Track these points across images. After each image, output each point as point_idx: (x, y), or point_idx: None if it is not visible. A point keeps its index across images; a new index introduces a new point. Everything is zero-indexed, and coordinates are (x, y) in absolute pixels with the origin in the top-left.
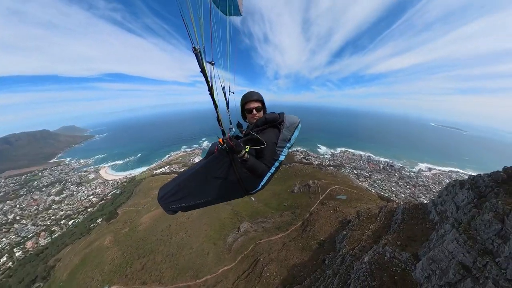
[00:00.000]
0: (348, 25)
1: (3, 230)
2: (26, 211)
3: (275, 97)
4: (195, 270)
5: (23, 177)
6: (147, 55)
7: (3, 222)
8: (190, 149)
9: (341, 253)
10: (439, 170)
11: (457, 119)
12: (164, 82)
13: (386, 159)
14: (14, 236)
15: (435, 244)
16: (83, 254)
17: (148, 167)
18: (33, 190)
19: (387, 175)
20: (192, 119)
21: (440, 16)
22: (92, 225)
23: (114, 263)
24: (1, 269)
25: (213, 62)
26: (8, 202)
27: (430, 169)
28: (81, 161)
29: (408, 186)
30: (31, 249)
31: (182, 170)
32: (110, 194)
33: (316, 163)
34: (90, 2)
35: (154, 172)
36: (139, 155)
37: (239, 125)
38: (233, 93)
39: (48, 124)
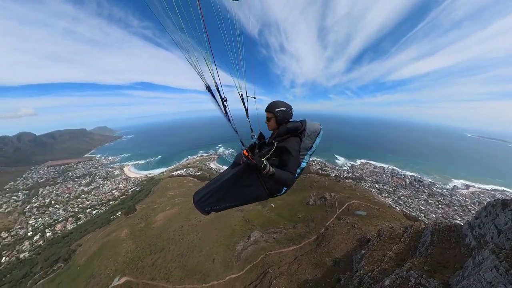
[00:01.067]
0: (367, 30)
1: (40, 211)
2: (60, 197)
3: (291, 106)
4: (202, 273)
5: (62, 167)
6: (172, 66)
7: (42, 204)
8: (206, 154)
9: (358, 274)
10: (479, 188)
11: (497, 128)
12: (185, 91)
13: (413, 173)
14: (48, 218)
15: (470, 272)
16: (101, 243)
17: (166, 168)
18: (68, 179)
19: (414, 191)
20: (209, 125)
21: (470, 13)
22: (112, 217)
23: (128, 256)
24: (34, 246)
25: (225, 99)
26: (47, 187)
27: (467, 187)
28: (109, 158)
29: (440, 206)
30: (59, 231)
31: (198, 173)
32: (130, 190)
33: (334, 174)
34: (126, 22)
35: (172, 173)
36: (159, 156)
37: (260, 136)
38: (255, 98)
39: (86, 124)
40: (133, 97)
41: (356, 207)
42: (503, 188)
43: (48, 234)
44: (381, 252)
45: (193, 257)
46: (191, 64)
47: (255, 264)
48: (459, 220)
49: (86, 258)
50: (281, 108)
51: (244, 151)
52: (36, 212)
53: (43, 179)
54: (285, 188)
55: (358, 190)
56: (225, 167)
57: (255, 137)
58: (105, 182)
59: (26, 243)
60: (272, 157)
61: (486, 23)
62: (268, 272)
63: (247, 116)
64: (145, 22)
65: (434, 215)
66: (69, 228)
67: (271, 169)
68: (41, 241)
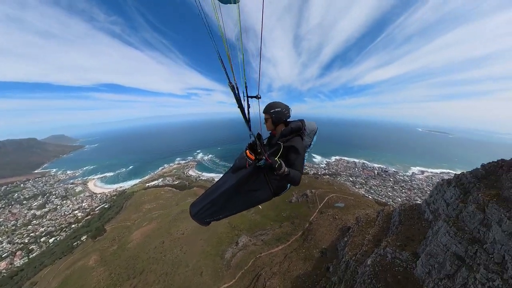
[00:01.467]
0: (336, 40)
1: None
2: (3, 227)
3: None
4: None
5: (3, 188)
6: (144, 67)
7: None
8: (184, 161)
9: (344, 260)
10: (431, 172)
11: (442, 123)
12: (159, 94)
13: (380, 165)
14: None
15: (431, 240)
16: (63, 276)
17: (140, 180)
18: (12, 203)
19: (382, 181)
20: (186, 130)
21: (418, 29)
22: (76, 243)
23: (100, 286)
24: None
25: (259, 96)
26: None
27: (422, 172)
28: (68, 172)
29: (403, 190)
30: (4, 270)
31: (176, 182)
32: (97, 208)
33: (312, 172)
34: (91, 15)
35: (147, 185)
36: (131, 167)
37: (259, 137)
38: (259, 97)
39: (36, 133)
40: (98, 100)
41: (335, 200)
42: (448, 170)
43: None
44: (360, 237)
45: (179, 273)
46: (220, 60)
47: (247, 270)
48: (419, 200)
49: None
50: (276, 109)
51: (249, 153)
52: None
53: None
54: (288, 185)
55: (335, 185)
56: (206, 174)
57: (252, 137)
58: (64, 201)
59: None
60: (279, 157)
61: (431, 38)
62: (260, 275)
63: (248, 118)
64: (113, 16)
65: (399, 199)
66: (18, 265)
67: (286, 168)
68: None
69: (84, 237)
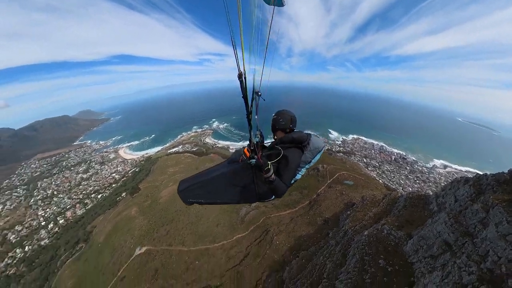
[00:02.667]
0: None
1: (46, 202)
2: (61, 187)
3: (287, 76)
4: (212, 236)
5: (53, 158)
6: (151, 32)
7: (45, 196)
8: (200, 130)
9: (344, 228)
10: (455, 169)
11: (491, 116)
12: (171, 62)
13: (399, 151)
14: (55, 207)
15: (427, 227)
16: (114, 222)
17: (162, 147)
18: (63, 169)
19: (397, 167)
20: (201, 99)
21: None
22: (118, 198)
23: (142, 229)
24: (51, 233)
25: (259, 93)
26: (45, 180)
27: (445, 167)
28: (101, 142)
29: (417, 181)
30: (71, 218)
31: (195, 149)
32: (130, 171)
33: (326, 148)
34: None
35: (168, 151)
36: (153, 135)
37: (261, 137)
38: (264, 100)
39: (66, 110)
40: (112, 73)
41: (345, 177)
42: (475, 170)
43: (61, 221)
44: (363, 213)
45: (202, 224)
46: (234, 48)
47: (258, 225)
48: (431, 192)
49: (104, 236)
50: (274, 116)
51: (246, 149)
52: (42, 204)
53: (38, 173)
54: (273, 196)
55: (347, 163)
56: (221, 142)
57: (259, 136)
58: (103, 167)
59: (43, 231)
60: (273, 163)
61: (509, 1)
62: (269, 231)
63: (257, 113)
64: None
65: (410, 189)
66: (79, 213)
67: (273, 175)
68: (56, 228)
69: (123, 194)
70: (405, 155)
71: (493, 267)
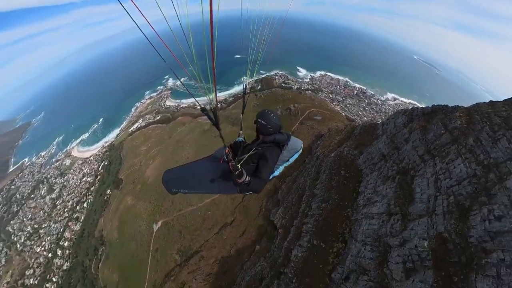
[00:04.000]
0: None
1: (35, 238)
2: (37, 219)
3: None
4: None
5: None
6: None
7: (28, 235)
8: (156, 93)
9: (316, 154)
10: (402, 101)
11: (440, 57)
12: (72, 5)
13: (361, 86)
14: (49, 237)
15: (372, 147)
16: (118, 217)
17: (120, 128)
18: (23, 201)
19: (358, 101)
20: (140, 54)
21: None
22: (105, 197)
23: (148, 210)
24: (65, 257)
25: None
26: (11, 222)
27: (394, 99)
28: (42, 153)
29: (372, 112)
30: (72, 236)
31: (158, 117)
32: (100, 168)
33: (296, 87)
34: None
35: (130, 130)
36: (101, 119)
37: (235, 145)
38: (220, 109)
39: None
40: None
41: (314, 113)
42: (415, 102)
43: (65, 244)
44: (329, 141)
45: None
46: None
47: None
48: (379, 121)
49: (117, 232)
50: (263, 122)
51: (227, 150)
52: (32, 242)
53: None
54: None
55: (316, 100)
56: (185, 100)
57: (243, 136)
58: (66, 177)
59: (56, 260)
60: (251, 161)
61: None
62: None
63: (243, 112)
64: None
65: (366, 119)
66: (78, 229)
67: (247, 178)
68: (67, 250)
69: (108, 191)
70: (365, 89)
71: (406, 166)
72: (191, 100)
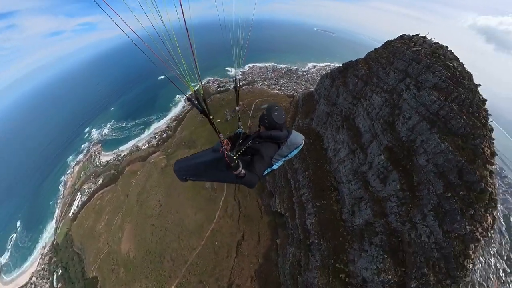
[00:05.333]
0: None
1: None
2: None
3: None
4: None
5: None
6: None
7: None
8: (82, 155)
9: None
10: (320, 66)
11: (331, 24)
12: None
13: (285, 65)
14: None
15: (317, 110)
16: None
17: (54, 220)
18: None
19: (288, 78)
20: (36, 110)
21: None
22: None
23: (150, 286)
24: None
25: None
26: None
27: (314, 66)
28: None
29: (303, 83)
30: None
31: (100, 182)
32: (55, 284)
33: (232, 86)
34: None
35: (70, 214)
36: (18, 223)
37: (233, 137)
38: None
39: None
40: None
41: (260, 104)
42: (329, 64)
43: None
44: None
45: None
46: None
47: None
48: (312, 89)
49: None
50: (264, 111)
51: (226, 141)
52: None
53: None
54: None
55: (255, 91)
56: (123, 146)
57: (242, 128)
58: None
59: None
60: (246, 155)
61: None
62: None
63: (237, 104)
64: None
65: (301, 90)
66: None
67: (243, 171)
68: None
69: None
70: (289, 67)
71: (345, 113)
72: (131, 142)
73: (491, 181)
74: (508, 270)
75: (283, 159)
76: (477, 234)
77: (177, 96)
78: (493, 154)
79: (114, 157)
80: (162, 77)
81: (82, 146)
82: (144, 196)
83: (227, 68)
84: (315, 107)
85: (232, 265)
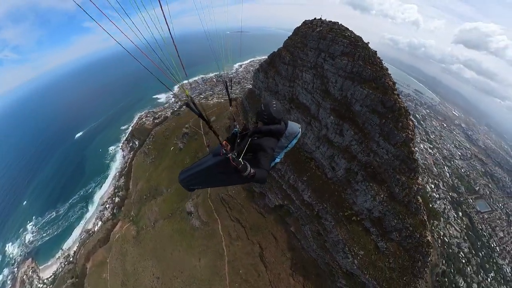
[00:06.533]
0: None
1: None
2: None
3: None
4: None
5: None
6: None
7: None
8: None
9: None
10: (245, 63)
11: (240, 24)
12: None
13: (214, 73)
14: None
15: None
16: None
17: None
18: None
19: (221, 85)
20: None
21: None
22: None
23: None
24: None
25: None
26: None
27: (241, 66)
28: None
29: (235, 85)
30: None
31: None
32: None
33: (169, 113)
34: None
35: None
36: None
37: (244, 128)
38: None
39: None
40: None
41: (213, 114)
42: (253, 59)
43: None
44: (240, 125)
45: None
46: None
47: None
48: (250, 86)
49: None
50: (262, 107)
51: (225, 141)
52: None
53: None
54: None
55: (211, 104)
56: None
57: (238, 127)
58: None
59: None
60: (248, 153)
61: None
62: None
63: (230, 104)
64: None
65: (238, 91)
66: None
67: (252, 170)
68: None
69: None
70: (218, 74)
71: (289, 95)
72: (77, 231)
73: (399, 100)
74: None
75: (284, 151)
76: (410, 135)
77: (111, 147)
78: (394, 83)
79: (60, 262)
80: (80, 134)
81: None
82: (132, 281)
83: (156, 96)
84: (260, 102)
85: (268, 278)
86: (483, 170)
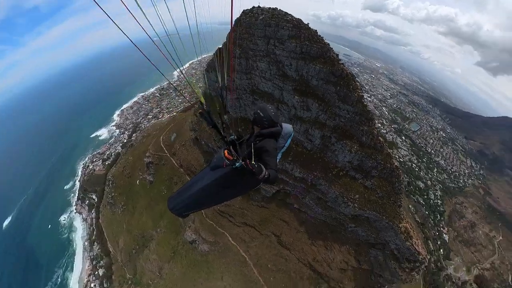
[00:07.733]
0: None
1: None
2: None
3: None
4: None
5: None
6: None
7: None
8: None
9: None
10: (186, 67)
11: (167, 27)
12: None
13: (155, 88)
14: None
15: (226, 103)
16: None
17: None
18: None
19: (167, 96)
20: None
21: None
22: None
23: None
24: None
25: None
26: None
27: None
28: None
29: (184, 90)
30: None
31: None
32: None
33: (119, 147)
34: None
35: None
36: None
37: (239, 136)
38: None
39: None
40: None
41: (168, 136)
42: (192, 61)
43: None
44: (204, 133)
45: None
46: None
47: None
48: (204, 90)
49: None
50: (258, 111)
51: (225, 152)
52: None
53: None
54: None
55: (151, 129)
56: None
57: (234, 135)
58: None
59: None
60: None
61: None
62: None
63: (225, 112)
64: None
65: (187, 99)
66: None
67: (267, 172)
68: None
69: None
70: (160, 86)
71: (251, 87)
72: None
73: (345, 67)
74: (369, 99)
75: (281, 151)
76: (360, 93)
77: (62, 217)
78: (337, 55)
79: None
80: (8, 220)
81: None
82: None
83: (95, 134)
84: (223, 102)
85: (295, 256)
86: (407, 100)
